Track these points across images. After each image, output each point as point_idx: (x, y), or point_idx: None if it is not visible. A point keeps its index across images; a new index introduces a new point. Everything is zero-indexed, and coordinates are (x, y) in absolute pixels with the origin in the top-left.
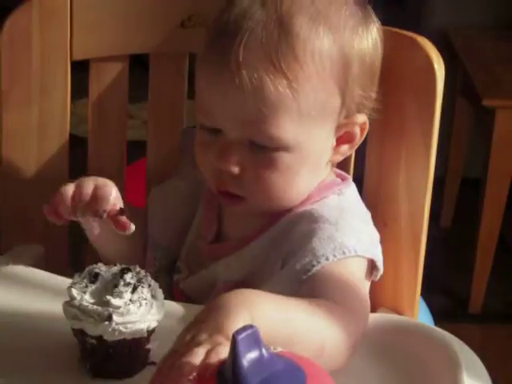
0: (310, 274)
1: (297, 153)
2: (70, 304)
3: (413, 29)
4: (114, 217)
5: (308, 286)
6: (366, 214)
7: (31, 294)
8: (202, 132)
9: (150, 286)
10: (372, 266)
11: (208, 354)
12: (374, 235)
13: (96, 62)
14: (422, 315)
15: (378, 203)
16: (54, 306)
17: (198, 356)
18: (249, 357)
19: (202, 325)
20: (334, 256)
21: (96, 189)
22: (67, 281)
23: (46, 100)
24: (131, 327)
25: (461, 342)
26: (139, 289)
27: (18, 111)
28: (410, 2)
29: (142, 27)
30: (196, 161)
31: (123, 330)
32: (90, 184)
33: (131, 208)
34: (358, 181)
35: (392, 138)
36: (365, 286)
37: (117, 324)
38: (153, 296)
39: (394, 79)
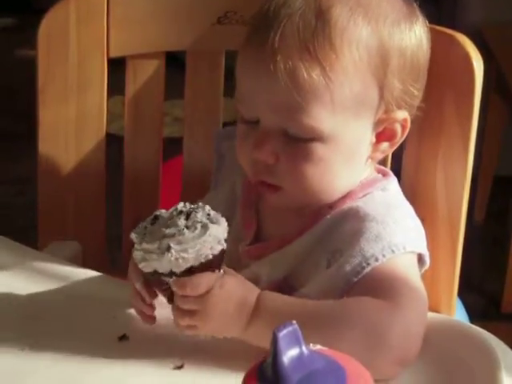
0: (360, 276)
1: (331, 144)
2: (135, 249)
3: (447, 26)
4: None
5: (359, 287)
6: (410, 208)
7: (68, 289)
8: (242, 125)
9: (204, 210)
10: (419, 259)
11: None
12: (420, 229)
13: (132, 59)
14: (458, 314)
15: (415, 199)
16: (89, 302)
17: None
18: (289, 354)
19: (210, 310)
20: (383, 256)
21: None
22: (104, 277)
23: (83, 96)
24: (192, 252)
25: (498, 340)
26: (193, 214)
27: (54, 107)
28: (445, 0)
29: (178, 24)
30: (237, 154)
31: (185, 255)
32: None
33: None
34: (396, 176)
35: (430, 134)
36: (418, 280)
37: (177, 252)
38: (211, 221)
39: (432, 75)
